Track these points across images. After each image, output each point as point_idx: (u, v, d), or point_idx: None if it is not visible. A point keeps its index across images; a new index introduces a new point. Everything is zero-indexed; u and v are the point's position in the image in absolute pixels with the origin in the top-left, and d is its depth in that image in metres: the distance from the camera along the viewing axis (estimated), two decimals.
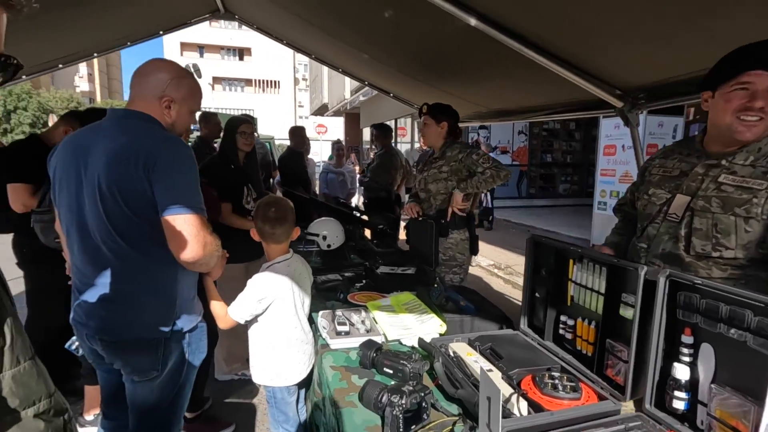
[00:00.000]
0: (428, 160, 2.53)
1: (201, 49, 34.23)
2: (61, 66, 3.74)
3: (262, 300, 1.50)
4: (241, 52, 35.55)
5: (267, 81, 36.26)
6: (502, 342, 1.42)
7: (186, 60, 31.54)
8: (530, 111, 3.27)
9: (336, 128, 18.62)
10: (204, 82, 33.80)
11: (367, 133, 18.60)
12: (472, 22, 1.96)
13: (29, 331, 2.14)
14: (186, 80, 1.39)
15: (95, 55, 3.87)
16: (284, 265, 1.55)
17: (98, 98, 45.70)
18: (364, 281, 2.17)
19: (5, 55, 0.55)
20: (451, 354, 1.33)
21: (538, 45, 2.06)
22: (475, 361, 1.28)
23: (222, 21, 3.96)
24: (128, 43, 3.93)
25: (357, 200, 5.67)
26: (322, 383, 1.46)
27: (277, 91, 36.38)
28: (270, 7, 3.47)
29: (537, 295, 1.48)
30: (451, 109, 2.46)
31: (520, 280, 5.14)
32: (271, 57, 34.82)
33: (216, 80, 34.90)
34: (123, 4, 3.02)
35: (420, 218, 2.36)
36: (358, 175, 5.18)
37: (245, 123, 2.54)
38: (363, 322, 1.65)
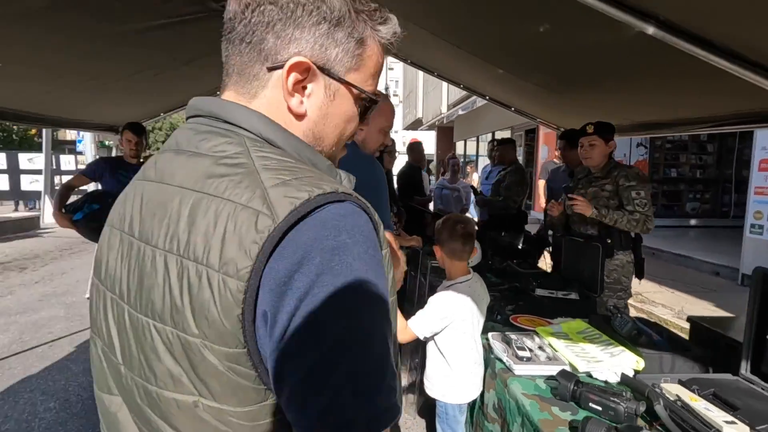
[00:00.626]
0: (585, 177, 2.38)
1: None
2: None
3: (444, 318, 1.51)
4: None
5: None
6: (726, 389, 1.25)
7: None
8: (691, 123, 2.93)
9: (428, 142, 18.79)
10: None
11: (460, 147, 18.42)
12: (650, 30, 1.81)
13: None
14: None
15: None
16: (466, 285, 1.55)
17: None
18: (514, 303, 2.09)
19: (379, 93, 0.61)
20: (672, 398, 1.20)
21: (732, 52, 1.84)
22: (707, 409, 1.14)
23: None
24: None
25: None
26: (509, 409, 1.41)
27: None
28: (402, 27, 3.60)
29: None
30: (613, 127, 2.31)
31: (656, 309, 4.61)
32: None
33: None
34: None
35: (582, 239, 2.22)
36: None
37: (392, 143, 2.66)
38: (541, 348, 1.57)
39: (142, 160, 3.12)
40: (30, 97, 3.05)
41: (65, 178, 11.97)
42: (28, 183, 10.69)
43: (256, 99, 0.51)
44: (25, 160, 10.78)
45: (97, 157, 10.30)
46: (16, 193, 10.82)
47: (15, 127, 26.17)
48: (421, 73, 16.43)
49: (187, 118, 0.54)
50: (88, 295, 4.56)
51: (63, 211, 2.72)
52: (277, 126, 0.51)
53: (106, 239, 0.52)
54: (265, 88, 0.51)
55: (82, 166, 11.80)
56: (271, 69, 0.50)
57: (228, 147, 0.46)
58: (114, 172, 2.85)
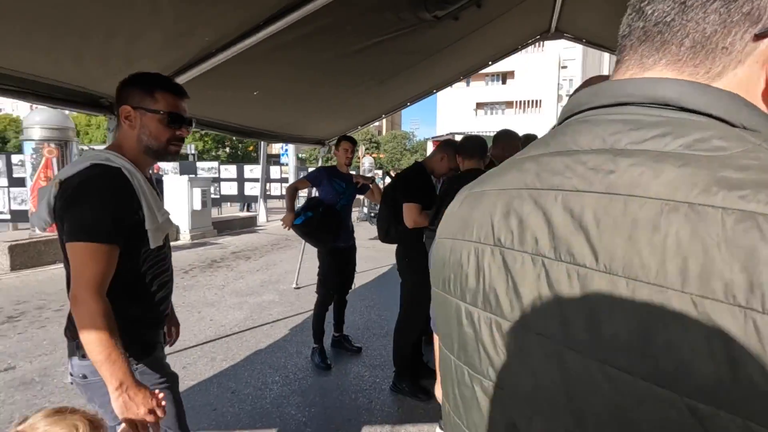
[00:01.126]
0: None
1: (467, 78, 37.17)
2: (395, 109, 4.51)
3: None
4: (504, 76, 36.58)
5: (528, 101, 35.99)
6: None
7: (455, 90, 34.82)
8: None
9: None
10: (468, 108, 36.57)
11: None
12: None
13: (402, 329, 2.30)
14: None
15: (435, 91, 4.45)
16: None
17: (383, 131, 56.24)
18: None
19: None
20: None
21: None
22: None
23: None
24: (461, 78, 4.37)
25: None
26: None
27: (538, 110, 35.59)
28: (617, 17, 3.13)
29: None
30: None
31: None
32: (534, 77, 34.45)
33: (479, 105, 37.13)
34: (458, 48, 3.30)
35: None
36: None
37: None
38: None
39: (352, 170, 3.44)
40: (265, 118, 3.70)
41: (273, 185, 14.58)
42: (249, 189, 13.35)
43: (721, 79, 0.37)
44: (248, 170, 13.49)
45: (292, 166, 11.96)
46: (241, 197, 13.62)
47: (240, 144, 33.34)
48: (606, 66, 14.55)
49: (593, 108, 0.43)
50: (294, 285, 5.33)
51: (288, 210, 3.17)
52: (760, 113, 0.36)
53: (496, 262, 0.43)
54: (740, 65, 0.37)
55: (285, 175, 14.16)
56: (759, 37, 0.35)
57: (719, 142, 0.34)
58: (330, 180, 3.20)
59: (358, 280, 3.76)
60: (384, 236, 2.78)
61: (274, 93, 3.08)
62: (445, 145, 2.73)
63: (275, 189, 15.04)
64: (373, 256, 7.13)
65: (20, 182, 7.81)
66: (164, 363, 1.35)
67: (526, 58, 33.04)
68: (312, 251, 3.48)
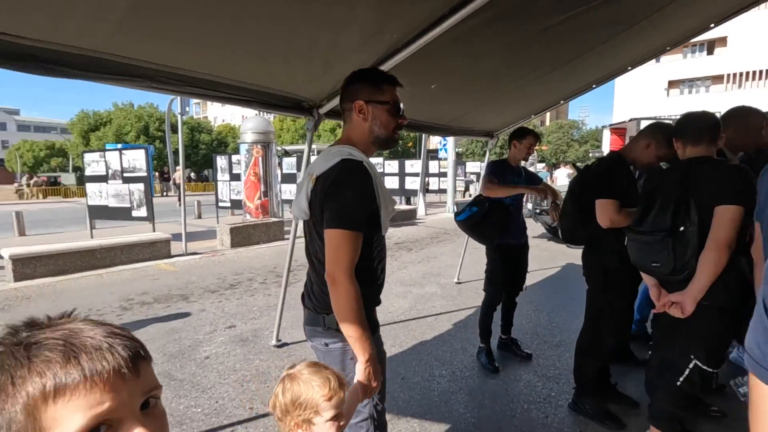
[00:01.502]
0: None
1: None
2: (595, 86, 3.96)
3: None
4: (712, 45, 29.55)
5: (745, 74, 28.33)
6: None
7: (639, 68, 29.72)
8: None
9: None
10: (657, 88, 30.76)
11: None
12: None
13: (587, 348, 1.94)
14: None
15: (630, 68, 3.80)
16: None
17: (547, 120, 51.89)
18: None
19: None
20: None
21: None
22: None
23: None
24: (667, 49, 3.61)
25: None
26: None
27: (761, 83, 27.72)
28: None
29: None
30: None
31: None
32: (757, 42, 26.86)
33: (672, 84, 30.91)
34: (671, 12, 2.64)
35: None
36: None
37: None
38: None
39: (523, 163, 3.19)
40: (437, 111, 3.69)
41: (432, 180, 14.89)
42: (409, 183, 13.93)
43: None
44: (408, 165, 14.08)
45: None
46: (402, 191, 14.32)
47: (399, 139, 35.13)
48: None
49: None
50: (456, 280, 5.29)
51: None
52: None
53: None
54: None
55: (443, 170, 14.31)
56: None
57: None
58: (503, 175, 3.02)
59: None
60: (569, 237, 2.46)
61: (448, 86, 3.04)
62: (654, 129, 2.25)
63: (433, 183, 15.34)
64: (538, 256, 6.58)
65: (237, 177, 9.74)
66: (381, 341, 1.47)
67: (745, 20, 25.88)
68: (477, 247, 3.35)
